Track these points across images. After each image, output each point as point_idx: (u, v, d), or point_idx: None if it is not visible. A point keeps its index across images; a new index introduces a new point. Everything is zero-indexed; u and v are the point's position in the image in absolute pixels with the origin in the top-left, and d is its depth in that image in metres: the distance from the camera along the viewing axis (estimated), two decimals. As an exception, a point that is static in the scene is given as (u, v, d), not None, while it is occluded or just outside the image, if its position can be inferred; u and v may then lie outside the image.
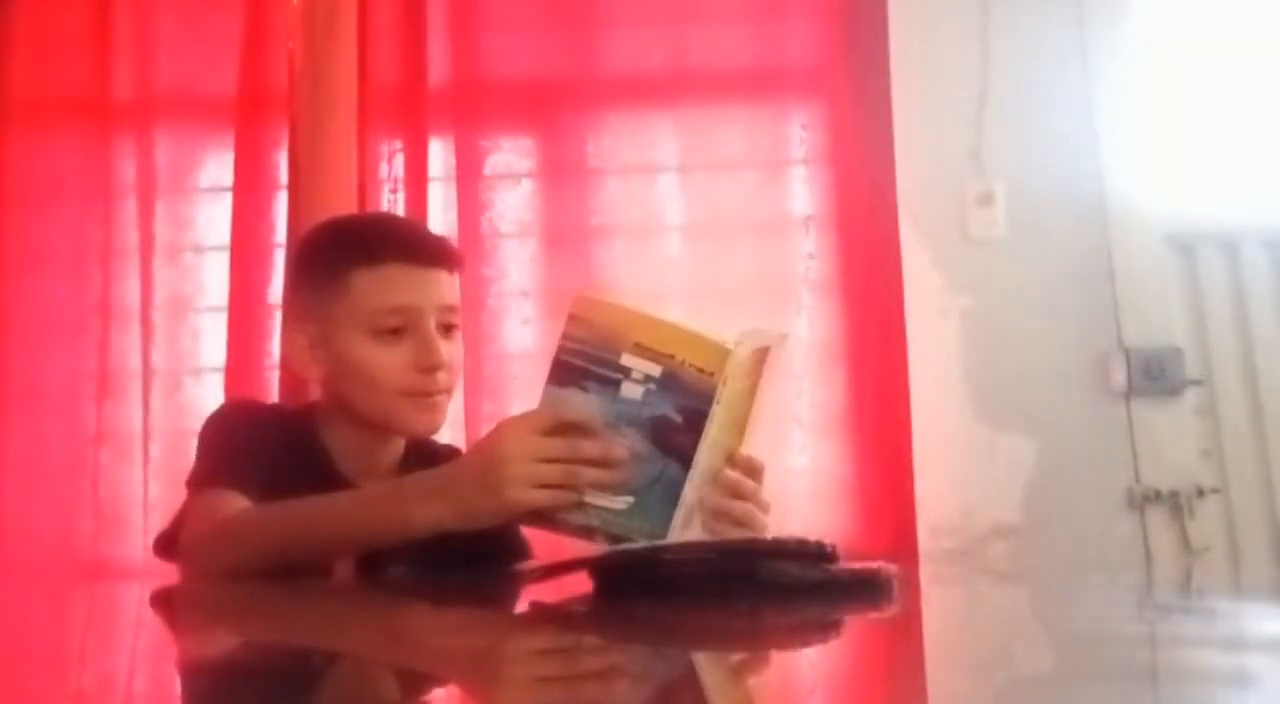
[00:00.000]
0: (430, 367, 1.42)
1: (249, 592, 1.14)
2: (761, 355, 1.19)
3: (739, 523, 1.18)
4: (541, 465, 1.13)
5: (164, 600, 1.14)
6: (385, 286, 1.43)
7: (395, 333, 1.42)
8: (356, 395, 1.46)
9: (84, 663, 0.73)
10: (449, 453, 1.67)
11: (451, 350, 1.45)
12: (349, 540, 1.25)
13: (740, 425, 1.19)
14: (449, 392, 1.46)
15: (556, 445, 1.14)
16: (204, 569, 1.32)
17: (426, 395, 1.43)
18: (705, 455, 1.14)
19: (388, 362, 1.42)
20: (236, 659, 0.71)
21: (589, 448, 1.13)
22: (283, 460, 1.40)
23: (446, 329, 1.45)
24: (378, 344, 1.42)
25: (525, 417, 1.18)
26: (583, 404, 1.14)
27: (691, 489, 1.13)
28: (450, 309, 1.46)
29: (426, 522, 1.17)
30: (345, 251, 1.48)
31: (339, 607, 1.00)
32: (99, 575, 2.35)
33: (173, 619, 0.98)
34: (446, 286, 1.46)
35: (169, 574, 1.44)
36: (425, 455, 1.54)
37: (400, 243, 1.50)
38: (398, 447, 1.51)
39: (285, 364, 2.32)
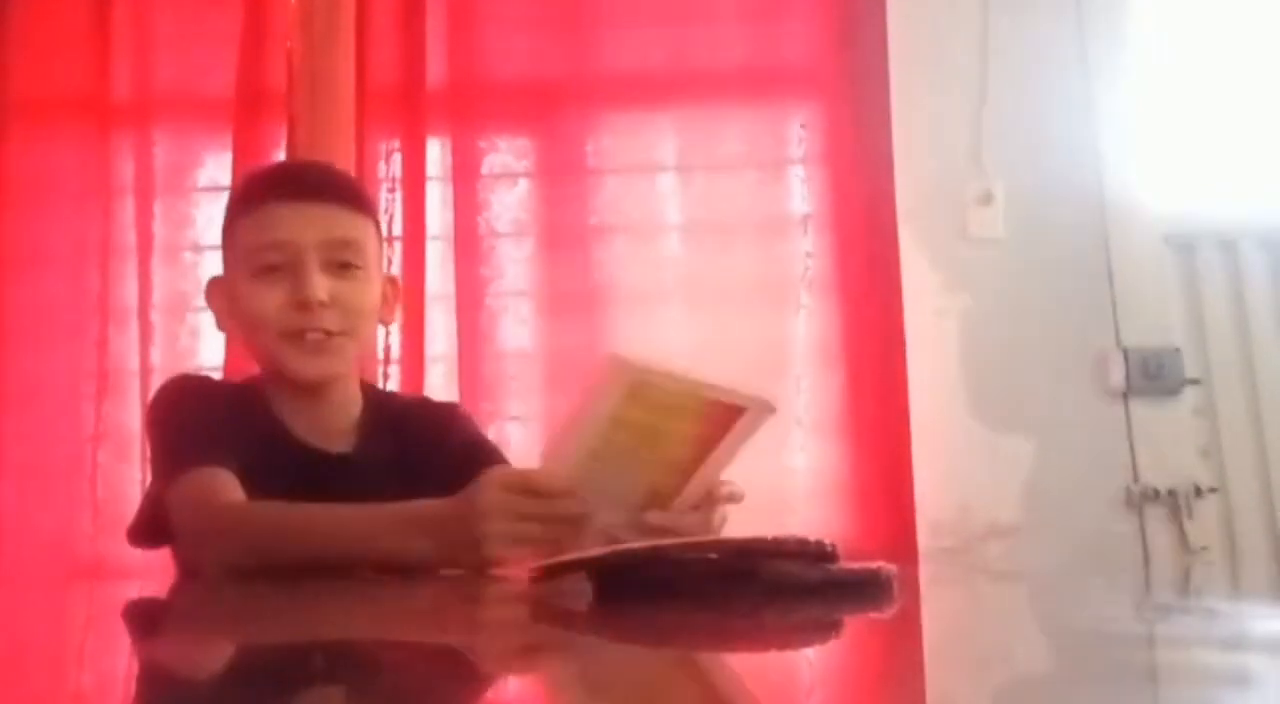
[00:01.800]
0: (302, 302, 1.35)
1: (236, 594, 1.14)
2: (730, 412, 1.16)
3: None
4: (518, 523, 1.13)
5: (139, 612, 1.13)
6: (262, 224, 1.38)
7: (275, 270, 1.36)
8: (250, 344, 1.43)
9: (84, 663, 0.73)
10: (419, 407, 1.61)
11: (345, 289, 1.37)
12: (345, 556, 1.21)
13: (674, 468, 1.16)
14: (346, 333, 1.39)
15: (532, 505, 1.14)
16: (209, 557, 1.31)
17: (306, 336, 1.36)
18: (582, 457, 1.14)
19: (267, 300, 1.36)
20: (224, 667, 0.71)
21: (563, 507, 1.14)
22: (241, 430, 1.36)
23: (341, 267, 1.38)
24: (258, 284, 1.37)
25: (509, 474, 1.20)
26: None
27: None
28: (342, 244, 1.38)
29: (416, 557, 1.18)
30: (234, 201, 1.47)
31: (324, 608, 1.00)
32: (98, 575, 2.34)
33: (141, 630, 0.98)
34: (332, 220, 1.38)
35: (173, 572, 1.43)
36: (387, 413, 1.49)
37: (278, 181, 1.47)
38: (350, 406, 1.45)
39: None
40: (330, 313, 1.37)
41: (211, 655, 0.73)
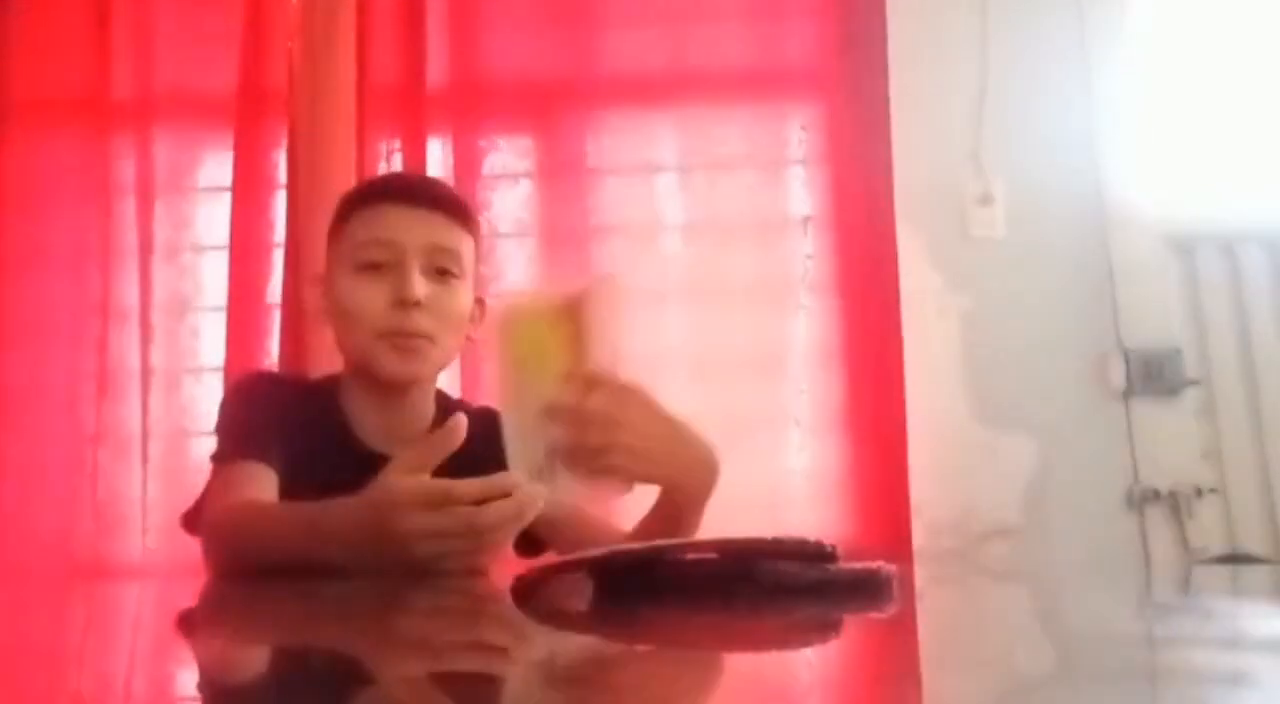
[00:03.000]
0: (402, 300, 1.39)
1: (263, 599, 1.14)
2: (577, 301, 1.22)
3: (597, 453, 1.20)
4: (437, 514, 1.05)
5: (189, 621, 1.13)
6: (370, 222, 1.44)
7: (377, 268, 1.41)
8: (342, 337, 1.46)
9: (83, 663, 0.73)
10: (483, 415, 1.60)
11: (441, 295, 1.42)
12: (287, 556, 1.15)
13: (562, 373, 1.22)
14: (433, 338, 1.42)
15: (442, 489, 1.07)
16: (222, 552, 1.32)
17: (401, 336, 1.40)
18: (511, 421, 1.20)
19: (366, 296, 1.40)
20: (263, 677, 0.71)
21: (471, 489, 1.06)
22: (303, 430, 1.39)
23: (440, 273, 1.43)
24: (359, 279, 1.42)
25: (409, 456, 1.10)
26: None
27: (518, 456, 1.19)
28: (444, 252, 1.43)
29: (335, 561, 1.10)
30: (348, 201, 1.51)
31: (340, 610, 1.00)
32: (98, 575, 2.34)
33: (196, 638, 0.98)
34: (439, 228, 1.44)
35: (173, 572, 1.43)
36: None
37: (393, 186, 1.53)
38: (423, 413, 1.48)
39: (284, 363, 2.32)
40: (424, 315, 1.41)
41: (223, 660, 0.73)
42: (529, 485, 1.09)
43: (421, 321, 1.40)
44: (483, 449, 1.23)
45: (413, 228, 1.42)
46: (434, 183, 1.74)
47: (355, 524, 1.09)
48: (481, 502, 1.07)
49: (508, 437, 1.21)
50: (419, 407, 1.48)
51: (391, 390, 1.45)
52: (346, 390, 1.47)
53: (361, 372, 1.45)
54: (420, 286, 1.40)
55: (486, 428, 1.53)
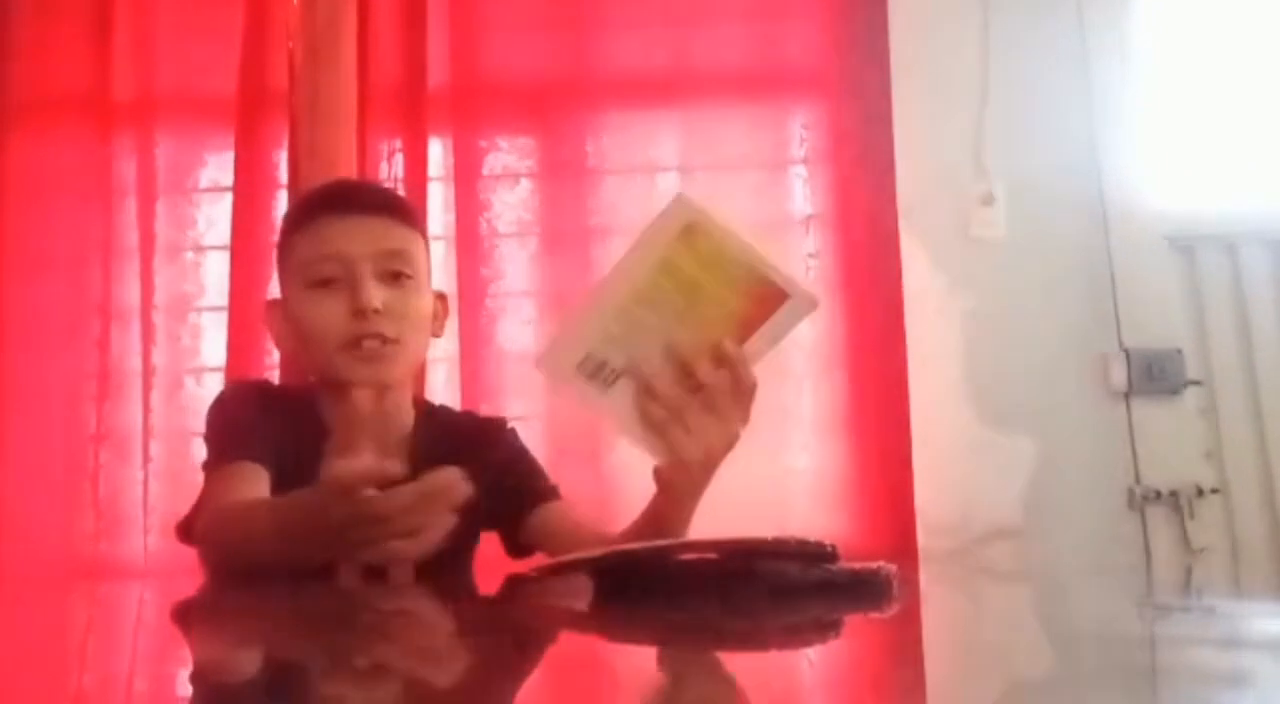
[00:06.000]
0: (359, 309, 1.37)
1: (262, 599, 1.14)
2: (774, 294, 1.16)
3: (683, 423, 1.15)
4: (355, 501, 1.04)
5: (184, 613, 1.13)
6: (315, 238, 1.42)
7: (330, 283, 1.39)
8: (306, 356, 1.45)
9: (84, 663, 0.73)
10: (467, 422, 1.60)
11: (398, 298, 1.40)
12: (281, 554, 1.15)
13: (704, 335, 1.15)
14: (398, 341, 1.40)
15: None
16: (214, 556, 1.32)
17: (362, 344, 1.38)
18: (610, 299, 1.14)
19: (324, 312, 1.39)
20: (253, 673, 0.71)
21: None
22: (288, 437, 1.38)
23: (393, 277, 1.41)
24: (314, 296, 1.40)
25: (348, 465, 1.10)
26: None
27: (585, 333, 1.14)
28: (394, 255, 1.41)
29: (303, 553, 1.11)
30: (291, 219, 1.51)
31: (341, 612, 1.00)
32: (99, 575, 2.35)
33: (192, 631, 0.98)
34: (384, 232, 1.42)
35: (174, 572, 1.43)
36: (437, 429, 1.49)
37: (331, 197, 1.51)
38: (399, 419, 1.46)
39: (285, 363, 2.32)
40: (385, 320, 1.39)
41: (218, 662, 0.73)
42: (449, 474, 1.03)
43: (383, 326, 1.39)
44: (467, 454, 1.22)
45: (358, 236, 1.41)
46: (372, 187, 1.72)
47: (308, 512, 1.10)
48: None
49: (592, 308, 1.16)
50: (395, 414, 1.46)
51: (364, 402, 1.43)
52: (323, 401, 1.46)
53: (331, 386, 1.44)
54: (375, 294, 1.38)
55: (471, 434, 1.53)
